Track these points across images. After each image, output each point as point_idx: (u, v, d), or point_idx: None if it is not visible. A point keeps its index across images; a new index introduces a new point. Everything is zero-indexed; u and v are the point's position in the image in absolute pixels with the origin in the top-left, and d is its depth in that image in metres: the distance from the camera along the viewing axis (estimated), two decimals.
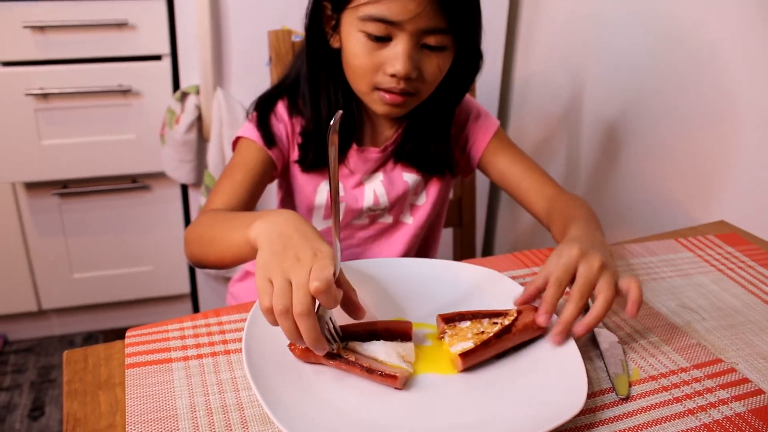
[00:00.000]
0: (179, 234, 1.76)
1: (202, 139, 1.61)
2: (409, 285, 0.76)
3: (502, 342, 0.65)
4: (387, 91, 0.84)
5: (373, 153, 0.95)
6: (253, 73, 1.56)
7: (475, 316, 0.68)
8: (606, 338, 0.71)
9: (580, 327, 0.65)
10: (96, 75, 1.53)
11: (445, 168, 0.99)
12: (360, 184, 0.97)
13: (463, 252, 1.35)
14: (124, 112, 1.59)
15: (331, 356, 0.62)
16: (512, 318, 0.67)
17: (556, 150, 1.64)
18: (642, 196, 1.33)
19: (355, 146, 0.94)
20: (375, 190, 0.97)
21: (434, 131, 0.95)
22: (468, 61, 0.91)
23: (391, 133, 0.96)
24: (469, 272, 0.79)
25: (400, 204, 1.00)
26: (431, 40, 0.81)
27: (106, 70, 1.53)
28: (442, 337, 0.67)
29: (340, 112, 0.59)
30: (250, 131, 0.92)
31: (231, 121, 1.53)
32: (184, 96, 1.55)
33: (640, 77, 1.30)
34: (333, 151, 0.58)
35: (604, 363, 0.67)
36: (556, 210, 0.88)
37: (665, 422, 0.60)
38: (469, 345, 0.64)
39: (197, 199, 1.70)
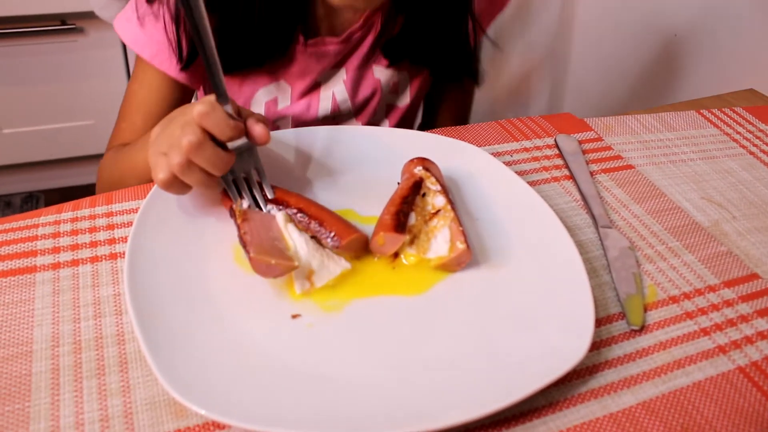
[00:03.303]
0: (121, 84, 1.56)
1: None
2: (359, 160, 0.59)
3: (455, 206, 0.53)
4: None
5: (331, 45, 0.70)
6: None
7: (409, 204, 0.52)
8: (615, 242, 0.55)
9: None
10: None
11: (466, 74, 0.81)
12: (316, 87, 0.73)
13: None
14: None
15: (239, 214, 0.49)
16: (429, 179, 0.54)
17: None
18: (654, 53, 1.13)
19: (301, 40, 0.69)
20: (334, 93, 0.74)
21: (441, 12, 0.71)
22: None
23: (356, 16, 0.71)
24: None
25: (372, 106, 0.78)
26: None
27: None
28: (398, 254, 0.51)
29: None
30: (145, 43, 0.66)
31: None
32: None
33: None
34: None
35: (612, 278, 0.52)
36: None
37: (690, 365, 0.45)
38: (446, 233, 0.50)
39: None
